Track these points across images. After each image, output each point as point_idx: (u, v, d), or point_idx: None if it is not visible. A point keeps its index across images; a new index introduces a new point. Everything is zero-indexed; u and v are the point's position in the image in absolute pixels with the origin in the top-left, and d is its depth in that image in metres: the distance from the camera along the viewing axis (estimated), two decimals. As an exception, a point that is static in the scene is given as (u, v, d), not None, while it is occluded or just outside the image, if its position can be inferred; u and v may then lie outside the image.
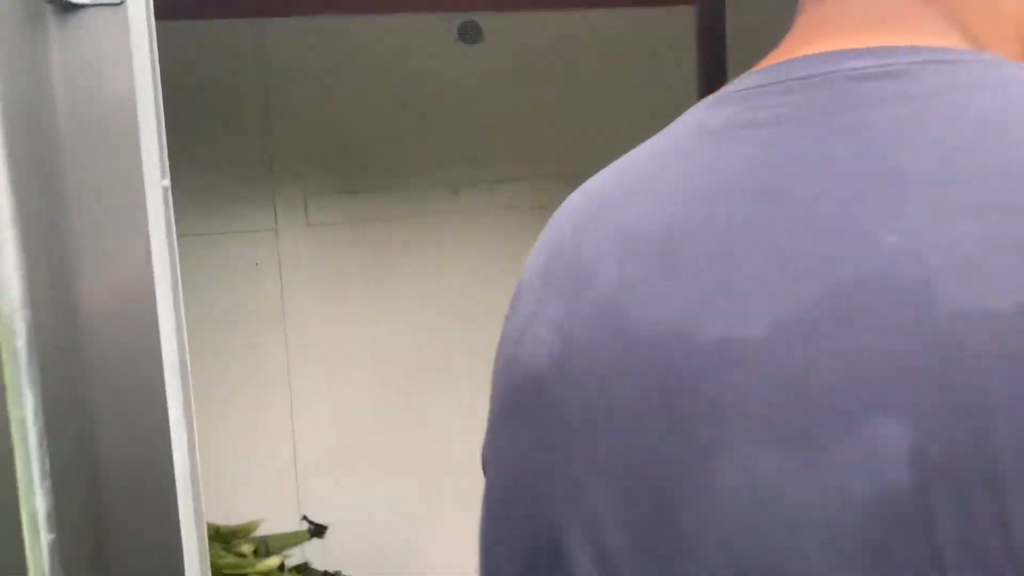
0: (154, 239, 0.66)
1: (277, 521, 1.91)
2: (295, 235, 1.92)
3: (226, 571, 1.63)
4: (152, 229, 0.66)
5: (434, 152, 1.97)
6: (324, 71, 1.90)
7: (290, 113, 1.90)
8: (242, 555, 1.69)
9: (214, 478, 1.93)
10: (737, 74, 0.50)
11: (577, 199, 0.55)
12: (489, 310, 2.07)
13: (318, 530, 1.94)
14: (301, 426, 1.95)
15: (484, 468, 0.56)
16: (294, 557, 1.91)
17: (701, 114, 0.50)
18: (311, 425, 1.95)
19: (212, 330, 1.89)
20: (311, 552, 1.94)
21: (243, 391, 1.92)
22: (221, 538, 1.82)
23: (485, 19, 1.96)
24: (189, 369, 0.72)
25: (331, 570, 1.89)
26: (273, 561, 1.67)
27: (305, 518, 1.94)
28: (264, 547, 1.83)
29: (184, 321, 0.71)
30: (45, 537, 0.54)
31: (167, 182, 0.69)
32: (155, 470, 0.69)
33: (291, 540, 1.92)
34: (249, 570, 1.64)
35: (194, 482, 0.72)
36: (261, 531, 1.90)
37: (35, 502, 0.54)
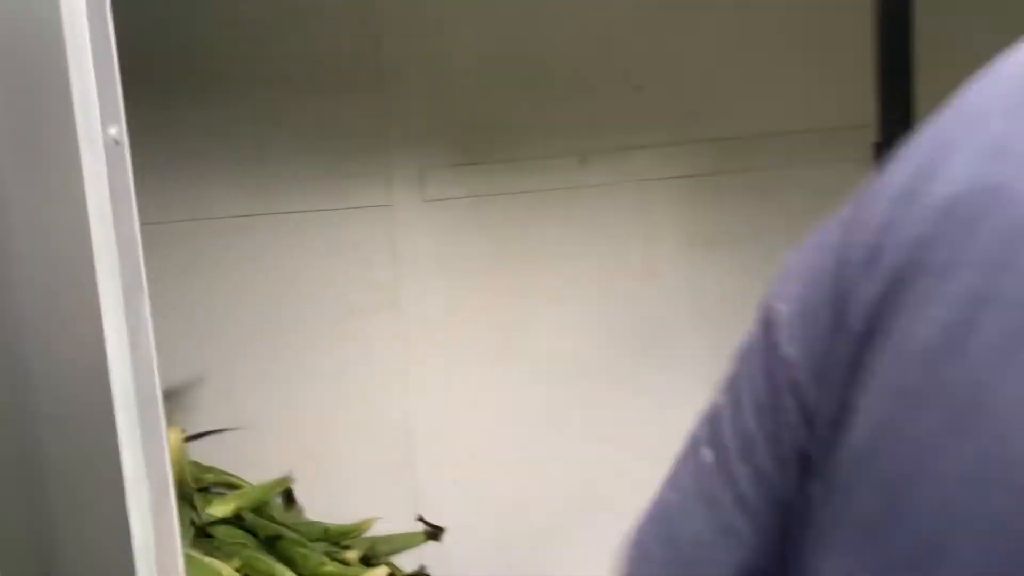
0: (93, 209, 0.49)
1: (391, 522, 1.77)
2: (410, 211, 1.76)
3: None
4: (90, 196, 0.49)
5: (559, 119, 1.75)
6: (441, 33, 1.72)
7: (405, 79, 1.73)
8: (346, 563, 1.55)
9: (324, 474, 1.81)
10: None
11: None
12: (624, 293, 1.87)
13: (435, 532, 1.78)
14: (417, 420, 1.79)
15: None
16: (408, 561, 1.76)
17: None
18: (428, 419, 1.79)
19: (321, 316, 1.76)
20: (428, 556, 1.78)
21: (355, 380, 1.78)
22: (331, 538, 1.69)
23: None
24: (155, 365, 0.55)
25: (447, 578, 1.74)
26: (379, 572, 1.52)
27: (421, 519, 1.79)
28: (373, 550, 1.69)
29: (146, 316, 0.53)
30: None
31: (117, 131, 0.51)
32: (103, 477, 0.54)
33: (405, 542, 1.77)
34: (352, 578, 1.50)
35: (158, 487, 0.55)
36: (374, 531, 1.76)
37: None
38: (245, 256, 1.75)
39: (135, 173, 0.55)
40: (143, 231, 0.55)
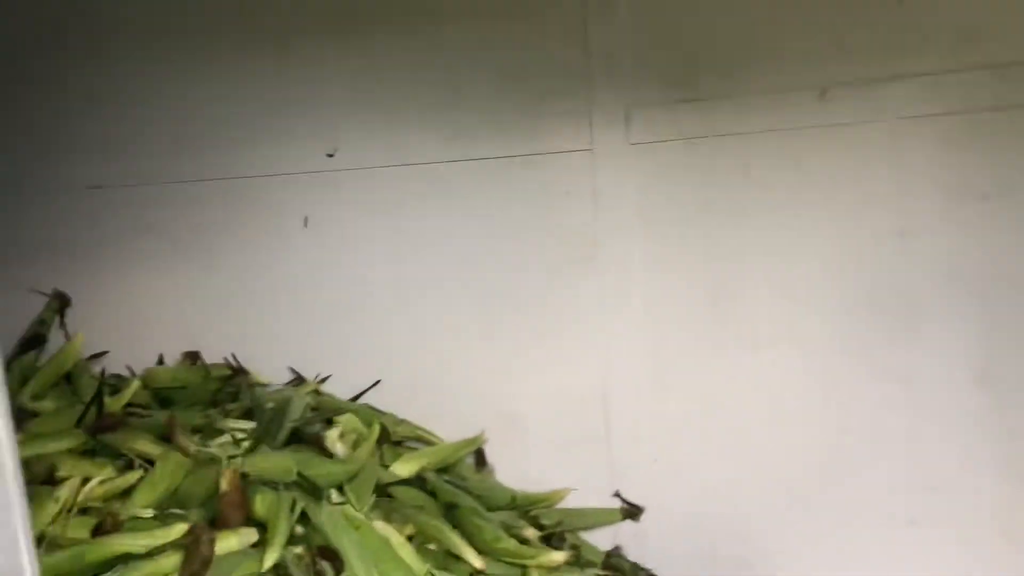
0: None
1: (583, 495, 1.64)
2: (614, 156, 1.56)
3: (503, 557, 1.39)
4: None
5: (795, 43, 1.47)
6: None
7: (611, 5, 1.52)
8: (524, 540, 1.44)
9: (515, 437, 1.71)
10: None
11: None
12: (867, 255, 1.55)
13: (633, 511, 1.62)
14: (616, 387, 1.63)
15: None
16: (601, 539, 1.62)
17: None
18: (628, 387, 1.62)
19: (515, 269, 1.64)
20: (623, 536, 1.63)
21: (550, 341, 1.65)
22: (519, 506, 1.59)
23: None
24: None
25: (643, 564, 1.58)
26: (557, 557, 1.40)
27: (618, 495, 1.64)
28: (563, 524, 1.57)
29: None
30: None
31: None
32: None
33: (600, 519, 1.63)
34: (529, 561, 1.39)
35: None
36: (566, 503, 1.64)
37: None
38: (440, 202, 1.66)
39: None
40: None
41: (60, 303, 1.82)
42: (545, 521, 1.56)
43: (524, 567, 1.39)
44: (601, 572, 1.50)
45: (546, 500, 1.62)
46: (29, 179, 1.79)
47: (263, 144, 1.71)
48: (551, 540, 1.52)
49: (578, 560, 1.49)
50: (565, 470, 1.65)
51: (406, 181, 1.66)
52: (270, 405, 1.48)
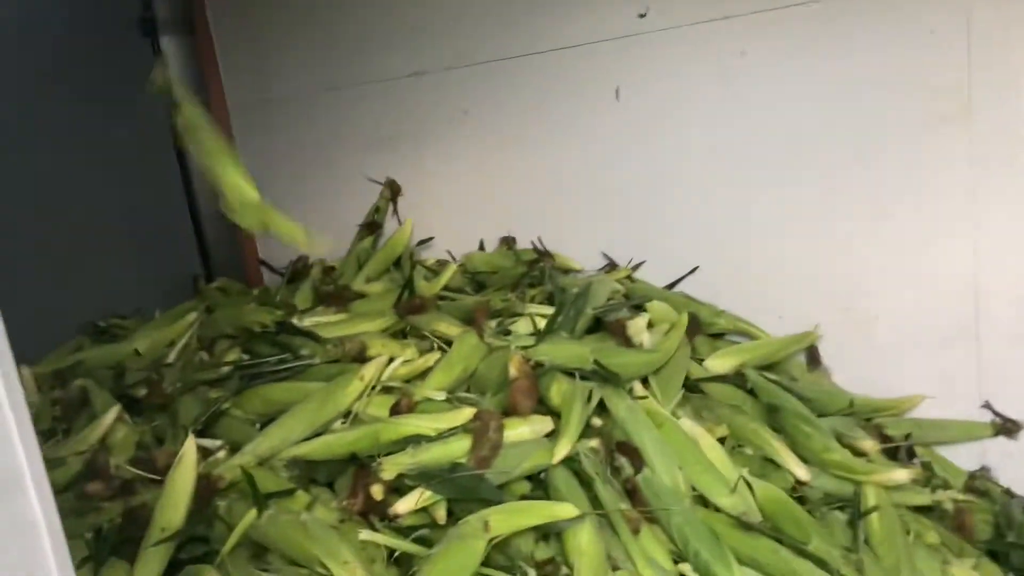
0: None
1: (943, 404, 1.36)
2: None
3: (832, 469, 1.19)
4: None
5: None
6: None
7: None
8: (860, 452, 1.22)
9: (857, 335, 1.45)
10: None
11: None
12: None
13: (1007, 426, 1.32)
14: (990, 275, 1.31)
15: None
16: (964, 457, 1.35)
17: None
18: (1006, 275, 1.30)
19: (861, 133, 1.37)
20: (992, 455, 1.34)
21: (906, 220, 1.36)
22: (857, 413, 1.36)
23: None
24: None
25: (1017, 491, 1.28)
26: (900, 475, 1.15)
27: (988, 406, 1.34)
28: (914, 436, 1.32)
29: None
30: None
31: None
32: None
33: (962, 433, 1.35)
34: (863, 477, 1.17)
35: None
36: (918, 413, 1.38)
37: None
38: (768, 58, 1.43)
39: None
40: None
41: (392, 191, 1.88)
42: (890, 432, 1.32)
43: (858, 483, 1.18)
44: (961, 496, 1.24)
45: (893, 407, 1.38)
46: (355, 71, 1.84)
47: (571, 11, 1.58)
48: (896, 455, 1.28)
49: (929, 480, 1.24)
50: (920, 374, 1.38)
51: (727, 37, 1.45)
52: (574, 291, 1.39)
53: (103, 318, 1.69)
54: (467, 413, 1.11)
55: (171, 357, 1.45)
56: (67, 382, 1.38)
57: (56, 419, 1.30)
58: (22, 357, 1.48)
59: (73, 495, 1.09)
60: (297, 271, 1.80)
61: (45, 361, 1.51)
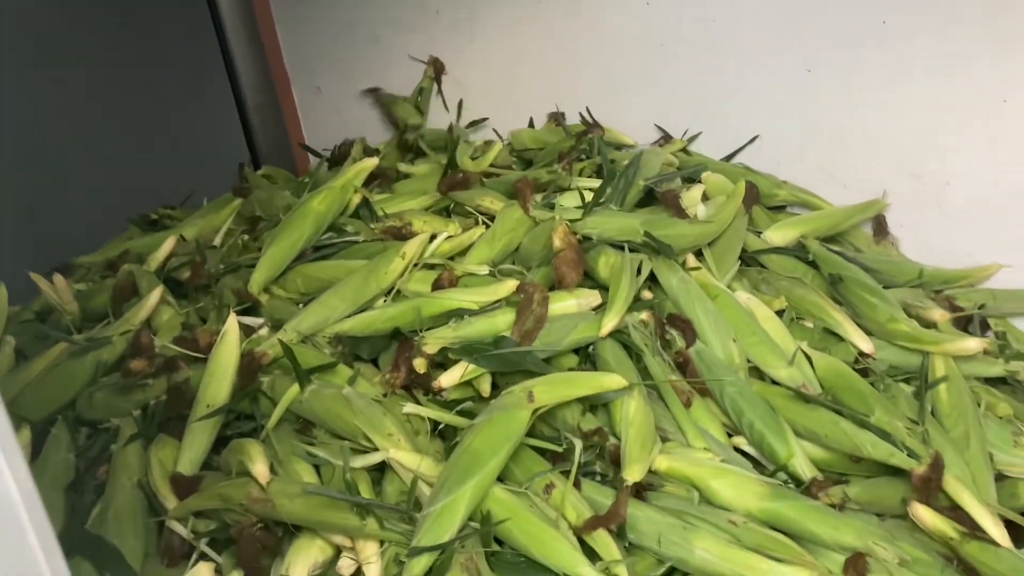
0: None
1: (1020, 275, 1.28)
2: None
3: (899, 340, 1.12)
4: None
5: None
6: None
7: None
8: (929, 324, 1.15)
9: (928, 203, 1.36)
10: None
11: None
12: None
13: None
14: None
15: None
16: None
17: None
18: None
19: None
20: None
21: (985, 74, 1.25)
22: (926, 284, 1.29)
23: None
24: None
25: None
26: (971, 344, 1.07)
27: (1071, 275, 1.25)
28: (988, 307, 1.24)
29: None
30: None
31: None
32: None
33: (1041, 304, 1.27)
34: (932, 347, 1.10)
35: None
36: (994, 283, 1.30)
37: None
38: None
39: None
40: None
41: (436, 70, 1.81)
42: (961, 303, 1.25)
43: (925, 354, 1.11)
44: (1036, 367, 1.16)
45: (966, 277, 1.29)
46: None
47: None
48: (967, 326, 1.21)
49: (1003, 351, 1.17)
50: (995, 243, 1.29)
51: None
52: (624, 163, 1.33)
53: (153, 210, 1.69)
54: (509, 285, 1.07)
55: (216, 241, 1.44)
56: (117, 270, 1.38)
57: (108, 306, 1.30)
58: (78, 249, 1.51)
59: (120, 374, 1.09)
60: (341, 154, 1.76)
61: (98, 252, 1.52)
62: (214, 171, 1.87)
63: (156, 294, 1.20)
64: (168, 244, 1.37)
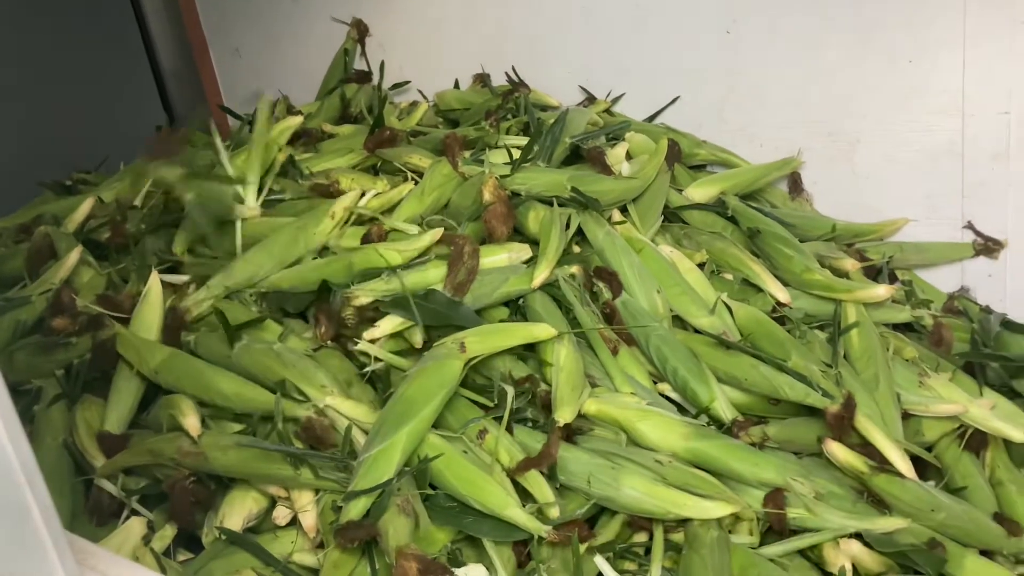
0: None
1: (928, 228, 1.34)
2: None
3: (812, 290, 1.17)
4: None
5: None
6: None
7: None
8: (841, 272, 1.20)
9: (839, 160, 1.41)
10: None
11: None
12: None
13: (989, 246, 1.30)
14: (975, 87, 1.27)
15: None
16: (944, 279, 1.34)
17: None
18: (993, 87, 1.25)
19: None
20: (972, 275, 1.33)
21: (892, 34, 1.31)
22: (839, 238, 1.34)
23: None
24: None
25: (995, 308, 1.28)
26: (880, 291, 1.12)
27: (970, 226, 1.32)
28: (895, 260, 1.31)
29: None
30: None
31: None
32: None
33: (943, 254, 1.34)
34: (844, 295, 1.15)
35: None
36: (901, 236, 1.36)
37: None
38: None
39: None
40: None
41: (359, 32, 1.79)
42: (871, 255, 1.31)
43: (838, 302, 1.17)
44: (939, 313, 1.23)
45: (875, 231, 1.36)
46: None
47: None
48: (877, 277, 1.27)
49: (909, 299, 1.23)
50: (904, 197, 1.36)
51: None
52: (551, 122, 1.35)
53: (68, 176, 1.64)
54: (433, 234, 1.08)
55: (137, 201, 1.41)
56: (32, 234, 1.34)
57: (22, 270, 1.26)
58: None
59: (40, 334, 1.06)
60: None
61: (10, 217, 1.47)
62: (130, 136, 1.82)
63: (76, 253, 1.17)
64: (86, 205, 1.34)
